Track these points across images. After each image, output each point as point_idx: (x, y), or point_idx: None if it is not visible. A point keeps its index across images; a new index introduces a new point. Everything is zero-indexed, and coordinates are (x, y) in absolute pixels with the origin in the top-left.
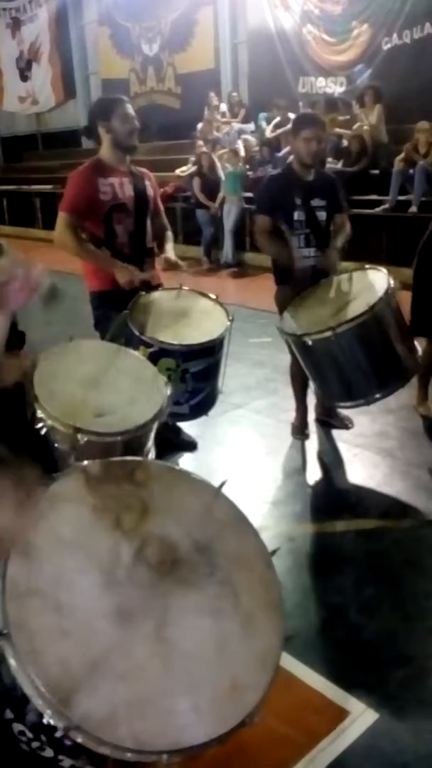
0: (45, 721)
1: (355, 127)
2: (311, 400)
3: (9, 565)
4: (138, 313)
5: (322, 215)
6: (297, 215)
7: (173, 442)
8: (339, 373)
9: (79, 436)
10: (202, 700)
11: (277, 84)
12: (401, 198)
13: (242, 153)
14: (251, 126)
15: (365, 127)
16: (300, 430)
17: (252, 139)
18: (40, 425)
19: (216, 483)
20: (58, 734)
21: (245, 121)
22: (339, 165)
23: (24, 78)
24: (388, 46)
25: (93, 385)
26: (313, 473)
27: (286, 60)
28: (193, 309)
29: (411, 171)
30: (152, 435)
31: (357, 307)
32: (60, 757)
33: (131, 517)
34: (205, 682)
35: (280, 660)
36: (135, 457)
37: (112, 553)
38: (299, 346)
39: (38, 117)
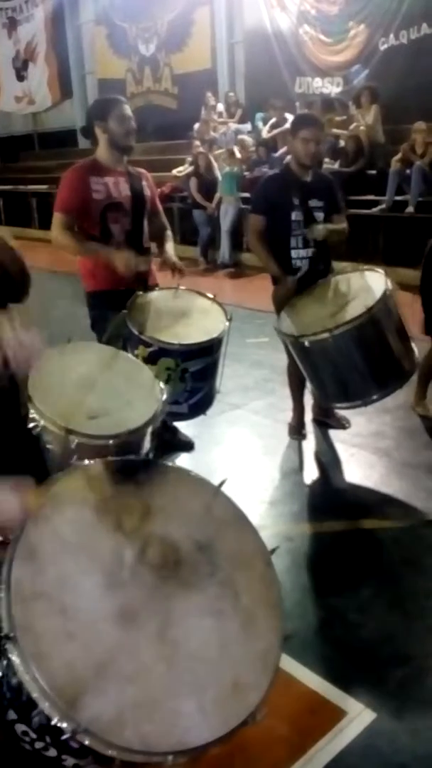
0: (52, 723)
1: (351, 127)
2: (308, 401)
3: (14, 568)
4: (136, 313)
5: (319, 216)
6: (295, 215)
7: (170, 443)
8: (336, 374)
9: (70, 437)
10: (206, 701)
11: (273, 84)
12: (398, 198)
13: (238, 155)
14: (248, 126)
15: (362, 128)
16: (297, 430)
17: (249, 139)
18: (32, 425)
19: (214, 483)
20: (65, 737)
21: (242, 121)
22: (336, 165)
23: (20, 78)
24: (385, 46)
25: (89, 387)
26: (311, 473)
27: (282, 60)
28: (191, 308)
29: (408, 171)
30: (148, 439)
31: (354, 308)
32: (63, 756)
33: (133, 518)
34: (208, 682)
35: (280, 660)
36: (135, 458)
37: (115, 555)
38: (296, 347)
39: (35, 117)
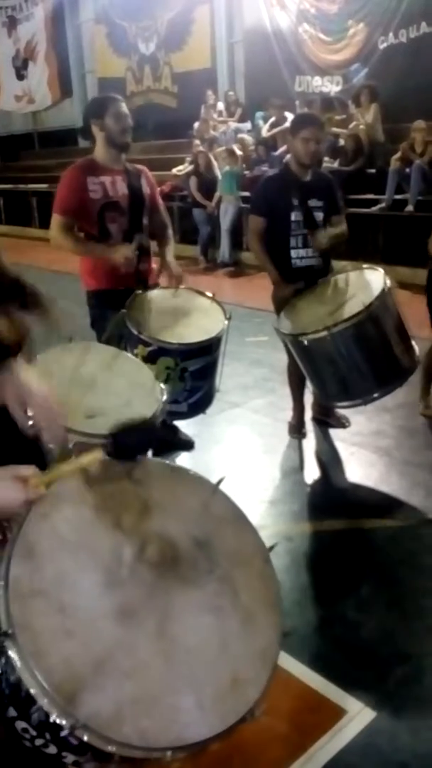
0: (51, 720)
1: (351, 126)
2: (308, 399)
3: (12, 566)
4: (135, 312)
5: (319, 216)
6: (294, 215)
7: (170, 442)
8: (336, 372)
9: (68, 436)
10: (205, 697)
11: (273, 83)
12: (397, 197)
13: (239, 152)
14: (248, 125)
15: (361, 126)
16: (297, 429)
17: (248, 138)
18: (30, 423)
19: (213, 482)
20: (63, 733)
21: (242, 120)
22: (335, 164)
23: (20, 77)
24: (384, 45)
25: (89, 386)
26: (311, 472)
27: (282, 59)
28: (190, 308)
29: (407, 170)
30: None
31: (353, 306)
32: (64, 753)
33: (131, 516)
34: (207, 678)
35: (280, 658)
36: None
37: (114, 553)
38: (296, 346)
39: (35, 116)
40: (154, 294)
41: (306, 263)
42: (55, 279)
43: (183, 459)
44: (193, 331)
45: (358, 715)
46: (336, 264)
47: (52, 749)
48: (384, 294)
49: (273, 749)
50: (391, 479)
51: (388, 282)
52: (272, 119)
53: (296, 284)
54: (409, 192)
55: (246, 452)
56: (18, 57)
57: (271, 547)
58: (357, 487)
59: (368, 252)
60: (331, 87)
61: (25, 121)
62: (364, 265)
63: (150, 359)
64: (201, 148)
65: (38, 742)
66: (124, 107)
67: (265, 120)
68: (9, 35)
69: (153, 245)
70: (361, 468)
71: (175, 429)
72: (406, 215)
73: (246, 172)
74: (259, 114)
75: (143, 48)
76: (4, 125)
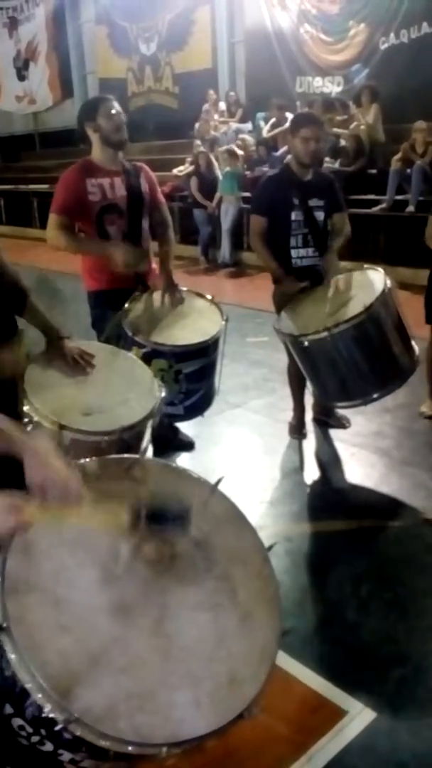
0: (44, 714)
1: (352, 126)
2: (308, 400)
3: (8, 561)
4: (132, 314)
5: (320, 215)
6: (295, 215)
7: (171, 442)
8: (335, 373)
9: (64, 433)
10: (201, 693)
11: (274, 83)
12: (398, 197)
13: (240, 152)
14: (249, 126)
15: (362, 127)
16: (297, 430)
17: (249, 138)
18: (26, 420)
19: (213, 482)
20: (57, 728)
21: (243, 120)
22: (336, 164)
23: (21, 77)
24: (385, 45)
25: (86, 384)
26: (311, 473)
27: (283, 59)
28: (188, 309)
29: (408, 170)
30: (145, 437)
31: (353, 307)
32: (60, 750)
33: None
34: (204, 675)
35: (280, 659)
36: (132, 455)
37: (111, 550)
38: (296, 347)
39: (35, 116)
40: (152, 295)
41: (307, 263)
42: (56, 279)
43: (183, 459)
44: (188, 333)
45: (358, 716)
46: (338, 266)
47: (48, 746)
48: (384, 295)
49: (273, 749)
50: (391, 480)
51: (389, 283)
52: (273, 120)
53: (302, 283)
54: (410, 192)
55: (246, 453)
56: (19, 58)
57: (270, 547)
58: (357, 488)
59: (369, 252)
60: (332, 87)
61: (25, 121)
62: (365, 266)
63: (145, 361)
64: (202, 149)
65: (34, 739)
66: (116, 105)
67: (266, 121)
68: (10, 36)
69: (153, 245)
70: (362, 468)
71: (176, 430)
72: (407, 216)
73: (247, 173)
74: (259, 115)
75: (144, 48)
76: (5, 126)
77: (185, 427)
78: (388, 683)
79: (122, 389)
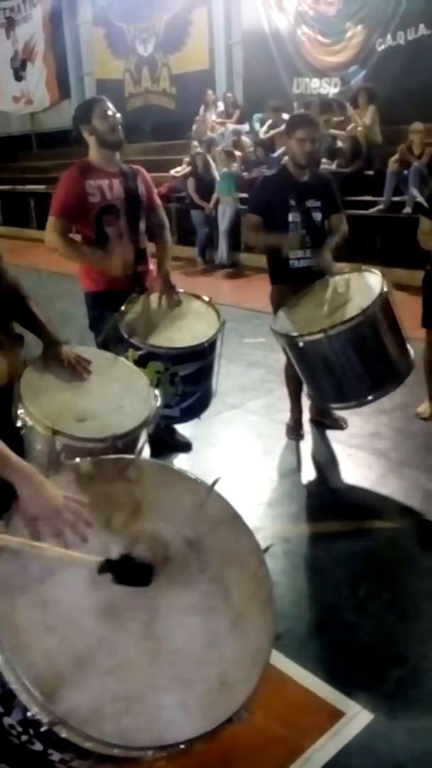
0: (29, 715)
1: (349, 128)
2: (306, 401)
3: None
4: (129, 316)
5: (317, 216)
6: (292, 216)
7: (168, 443)
8: (331, 374)
9: (56, 438)
10: (189, 697)
11: (271, 85)
12: (395, 199)
13: (238, 153)
14: (246, 127)
15: (359, 128)
16: (295, 431)
17: (246, 139)
18: (19, 424)
19: (210, 483)
20: (43, 729)
21: (240, 121)
22: (333, 166)
23: (18, 78)
24: (382, 47)
25: (82, 390)
26: (308, 474)
27: (280, 61)
28: (185, 311)
29: (405, 172)
30: (140, 444)
31: (350, 309)
32: (49, 750)
33: (122, 516)
34: (193, 678)
35: (277, 661)
36: (128, 456)
37: (102, 551)
38: (292, 348)
39: (32, 117)
40: (150, 297)
41: (304, 264)
42: (54, 280)
43: (180, 460)
44: (185, 336)
45: (356, 717)
46: (334, 266)
47: (37, 746)
48: (381, 298)
49: (270, 751)
50: (388, 481)
51: (386, 286)
52: (269, 121)
53: (301, 231)
54: (407, 194)
55: (243, 454)
56: (16, 58)
57: (266, 549)
58: (354, 489)
59: (366, 253)
60: (329, 89)
61: (23, 122)
62: (363, 267)
63: (140, 363)
64: (199, 150)
65: (24, 738)
66: (110, 106)
67: (263, 122)
68: (7, 36)
69: (150, 247)
70: (359, 470)
71: (173, 430)
72: (404, 217)
73: (244, 174)
74: (256, 116)
75: (141, 49)
76: (2, 126)
77: (182, 428)
78: (386, 684)
79: (117, 396)
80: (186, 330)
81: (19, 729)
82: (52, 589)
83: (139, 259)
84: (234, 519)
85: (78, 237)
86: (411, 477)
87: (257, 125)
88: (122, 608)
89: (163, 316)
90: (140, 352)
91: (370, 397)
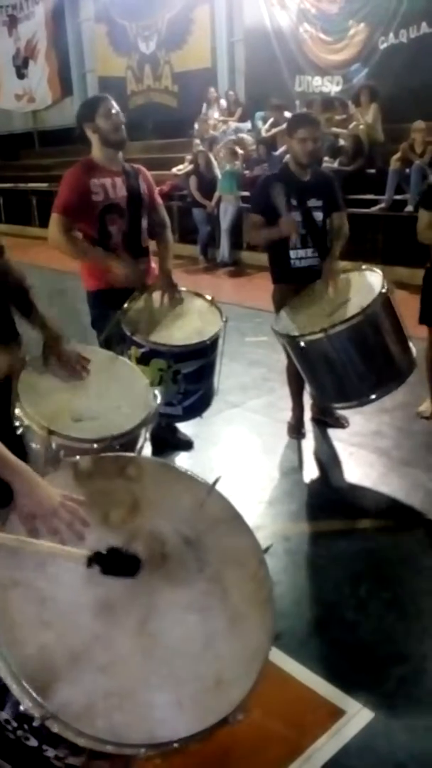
0: (22, 709)
1: (351, 126)
2: (307, 400)
3: None
4: (132, 313)
5: (318, 215)
6: (293, 216)
7: (169, 442)
8: (332, 374)
9: (52, 438)
10: (184, 696)
11: (273, 83)
12: (397, 197)
13: (240, 151)
14: (248, 125)
15: (361, 127)
16: (296, 429)
17: (248, 137)
18: (17, 423)
19: (211, 482)
20: (35, 723)
21: (242, 119)
22: (335, 164)
23: (21, 75)
24: (385, 45)
25: (81, 390)
26: (310, 472)
27: (282, 59)
28: (187, 309)
29: (407, 170)
30: (140, 443)
31: (351, 309)
32: (44, 746)
33: (120, 512)
34: (188, 677)
35: (278, 659)
36: (128, 453)
37: (98, 548)
38: (293, 347)
39: (35, 115)
40: (152, 295)
41: (305, 263)
42: (56, 278)
43: (181, 459)
44: (187, 333)
45: (356, 716)
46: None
47: (32, 742)
48: (382, 296)
49: (271, 749)
50: (389, 480)
51: (387, 284)
52: (271, 119)
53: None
54: (408, 192)
55: (245, 452)
56: (18, 56)
57: (267, 548)
58: (356, 488)
59: (367, 252)
60: (331, 87)
61: (25, 120)
62: (363, 266)
63: (143, 361)
64: (201, 148)
65: (19, 733)
66: (114, 105)
67: (265, 120)
68: (9, 34)
69: (152, 245)
70: (360, 468)
71: (174, 429)
72: (406, 215)
73: (246, 172)
74: (258, 114)
75: (143, 47)
76: (4, 124)
77: (184, 427)
78: (386, 683)
79: (116, 396)
80: (188, 328)
81: (15, 724)
82: (49, 586)
83: (141, 258)
84: (234, 519)
85: (80, 235)
86: (412, 476)
87: (259, 123)
88: (118, 605)
89: (165, 314)
90: (143, 350)
91: (372, 396)
